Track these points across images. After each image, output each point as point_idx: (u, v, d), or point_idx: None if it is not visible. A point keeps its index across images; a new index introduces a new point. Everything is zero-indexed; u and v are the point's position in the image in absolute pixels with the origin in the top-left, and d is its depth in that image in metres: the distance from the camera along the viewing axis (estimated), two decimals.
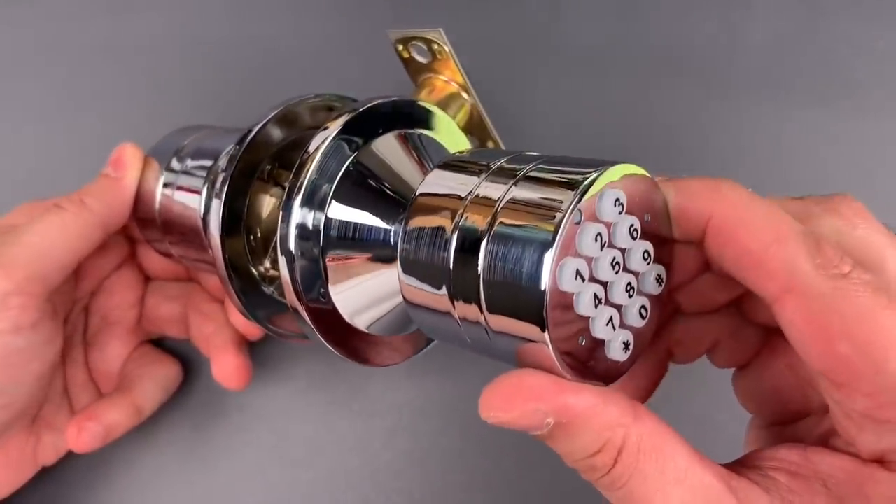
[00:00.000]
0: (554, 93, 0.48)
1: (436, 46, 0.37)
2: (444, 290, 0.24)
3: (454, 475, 0.41)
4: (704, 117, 0.47)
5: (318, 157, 0.28)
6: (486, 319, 0.23)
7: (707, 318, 0.28)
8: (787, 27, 0.48)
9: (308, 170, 0.27)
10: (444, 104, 0.38)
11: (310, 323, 0.29)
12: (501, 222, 0.22)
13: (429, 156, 0.31)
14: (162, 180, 0.38)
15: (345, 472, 0.42)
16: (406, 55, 0.38)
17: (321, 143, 0.28)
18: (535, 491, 0.41)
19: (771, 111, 0.47)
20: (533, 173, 0.23)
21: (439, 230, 0.24)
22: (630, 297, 0.23)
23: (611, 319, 0.23)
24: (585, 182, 0.22)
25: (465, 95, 0.38)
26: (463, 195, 0.24)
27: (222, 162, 0.37)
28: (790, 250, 0.22)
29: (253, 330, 0.40)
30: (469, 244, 0.23)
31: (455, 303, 0.24)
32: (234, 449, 0.42)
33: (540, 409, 0.22)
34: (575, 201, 0.21)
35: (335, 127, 0.28)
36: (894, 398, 0.21)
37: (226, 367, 0.39)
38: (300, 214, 0.28)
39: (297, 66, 0.49)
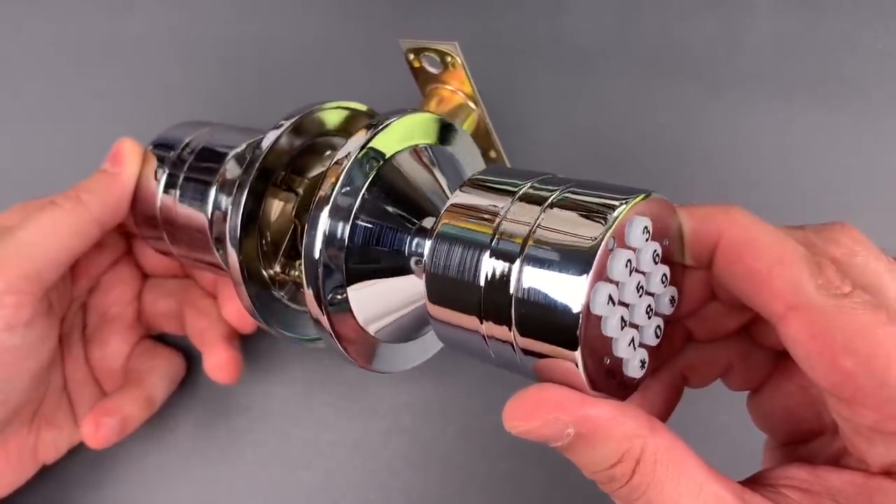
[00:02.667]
0: (554, 92, 0.49)
1: (449, 59, 0.38)
2: (472, 309, 0.25)
3: (453, 475, 0.43)
4: (704, 117, 0.47)
5: (345, 170, 0.29)
6: (515, 339, 0.24)
7: (719, 344, 0.30)
8: (788, 27, 0.49)
9: (336, 183, 0.28)
10: (452, 114, 0.39)
11: (330, 331, 0.30)
12: (536, 245, 0.24)
13: (445, 170, 0.33)
14: (164, 178, 0.38)
15: (344, 472, 0.43)
16: (417, 65, 0.40)
17: (346, 157, 0.29)
18: (532, 491, 0.42)
19: (771, 111, 0.47)
20: (566, 197, 0.25)
21: (470, 249, 0.25)
22: (649, 318, 0.25)
23: (632, 340, 0.25)
24: (619, 209, 0.23)
25: (472, 106, 0.40)
26: (494, 215, 0.25)
27: (230, 164, 0.37)
28: (794, 271, 0.23)
29: (246, 324, 0.41)
30: (502, 265, 0.24)
31: (484, 321, 0.25)
32: (235, 449, 0.43)
33: (561, 419, 0.24)
34: (610, 228, 0.23)
35: (360, 141, 0.29)
36: None
37: (216, 361, 0.40)
38: (326, 224, 0.29)
39: (298, 65, 0.50)
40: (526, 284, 0.23)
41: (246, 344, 0.44)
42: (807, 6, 0.49)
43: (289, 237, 0.35)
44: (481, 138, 0.41)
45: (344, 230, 0.29)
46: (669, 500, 0.23)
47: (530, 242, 0.24)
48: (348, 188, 0.29)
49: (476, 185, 0.27)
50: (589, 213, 0.23)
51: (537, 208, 0.24)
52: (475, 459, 0.42)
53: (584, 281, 0.22)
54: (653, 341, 0.26)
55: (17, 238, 0.35)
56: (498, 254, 0.24)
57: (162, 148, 0.39)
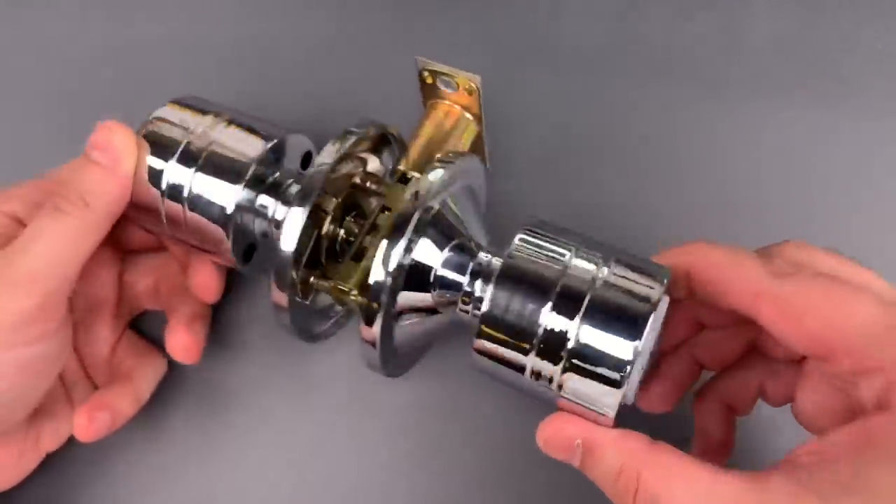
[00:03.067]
0: (553, 93, 0.49)
1: (467, 86, 0.40)
2: (526, 348, 0.30)
3: (454, 475, 0.43)
4: (704, 118, 0.48)
5: (414, 221, 0.32)
6: (558, 379, 0.30)
7: (747, 371, 0.35)
8: (787, 28, 0.50)
9: (408, 230, 0.32)
10: (455, 126, 0.41)
11: (378, 345, 0.34)
12: (593, 309, 0.29)
13: (470, 203, 0.38)
14: (171, 172, 0.37)
15: (346, 471, 0.43)
16: (430, 81, 0.41)
17: (415, 212, 0.33)
18: (533, 490, 0.42)
19: (770, 111, 0.48)
20: (614, 272, 0.31)
21: (532, 297, 0.30)
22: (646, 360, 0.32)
23: (638, 381, 0.31)
24: (659, 292, 0.30)
25: (471, 119, 0.42)
26: (554, 274, 0.31)
27: (246, 167, 0.37)
28: (748, 269, 0.30)
29: (210, 294, 0.41)
30: (564, 317, 0.30)
31: (532, 359, 0.30)
32: (236, 449, 0.43)
33: (570, 431, 0.30)
34: (654, 310, 0.29)
35: (431, 194, 0.33)
36: (866, 349, 0.28)
37: (176, 342, 0.40)
38: (398, 258, 0.32)
39: (300, 65, 0.50)
40: (583, 339, 0.29)
41: (247, 343, 0.45)
42: (805, 6, 0.49)
43: (310, 249, 0.37)
44: (476, 148, 0.43)
45: (405, 262, 0.33)
46: (680, 500, 0.27)
47: (589, 307, 0.30)
48: (412, 229, 0.33)
49: (532, 240, 0.32)
50: (635, 291, 0.30)
51: (590, 277, 0.30)
52: (478, 459, 0.43)
53: (634, 346, 0.29)
54: (641, 376, 0.32)
55: (36, 254, 0.34)
56: (561, 306, 0.30)
57: (162, 133, 0.38)
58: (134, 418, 0.42)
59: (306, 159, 0.42)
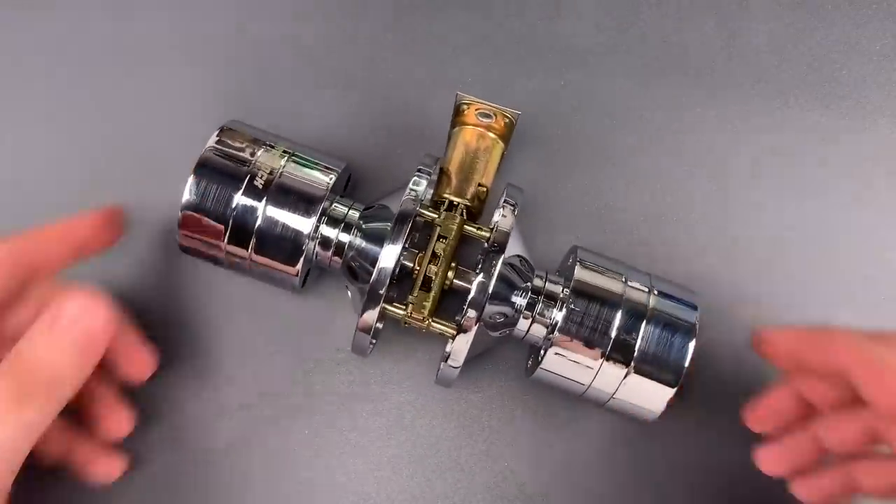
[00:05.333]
0: (553, 92, 0.50)
1: (505, 119, 0.42)
2: (598, 355, 0.38)
3: (454, 473, 0.44)
4: (704, 118, 0.50)
5: (502, 260, 0.38)
6: (620, 383, 0.38)
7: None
8: (786, 29, 0.51)
9: (495, 267, 0.37)
10: (485, 149, 0.44)
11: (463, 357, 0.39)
12: (657, 317, 0.38)
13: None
14: (234, 204, 0.39)
15: (346, 469, 0.44)
16: (467, 112, 0.43)
17: (497, 261, 0.37)
18: (534, 489, 0.44)
19: (769, 112, 0.50)
20: (658, 294, 0.39)
21: (604, 311, 0.38)
22: None
23: None
24: (695, 313, 0.39)
25: (496, 139, 0.45)
26: (617, 292, 0.39)
27: (318, 199, 0.40)
28: (846, 332, 0.36)
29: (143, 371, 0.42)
30: (631, 325, 0.38)
31: (601, 364, 0.38)
32: (236, 449, 0.44)
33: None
34: (698, 319, 0.39)
35: (507, 232, 0.38)
36: None
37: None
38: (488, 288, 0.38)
39: (300, 65, 0.51)
40: (647, 347, 0.38)
41: (247, 341, 0.46)
42: (804, 8, 0.51)
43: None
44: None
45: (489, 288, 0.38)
46: None
47: (650, 314, 0.38)
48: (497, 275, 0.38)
49: (589, 268, 0.40)
50: (683, 306, 0.39)
51: (647, 290, 0.39)
52: (476, 457, 0.44)
53: (691, 345, 0.38)
54: None
55: None
56: (629, 316, 0.38)
57: (221, 163, 0.39)
58: (133, 419, 0.43)
59: (347, 182, 0.44)
